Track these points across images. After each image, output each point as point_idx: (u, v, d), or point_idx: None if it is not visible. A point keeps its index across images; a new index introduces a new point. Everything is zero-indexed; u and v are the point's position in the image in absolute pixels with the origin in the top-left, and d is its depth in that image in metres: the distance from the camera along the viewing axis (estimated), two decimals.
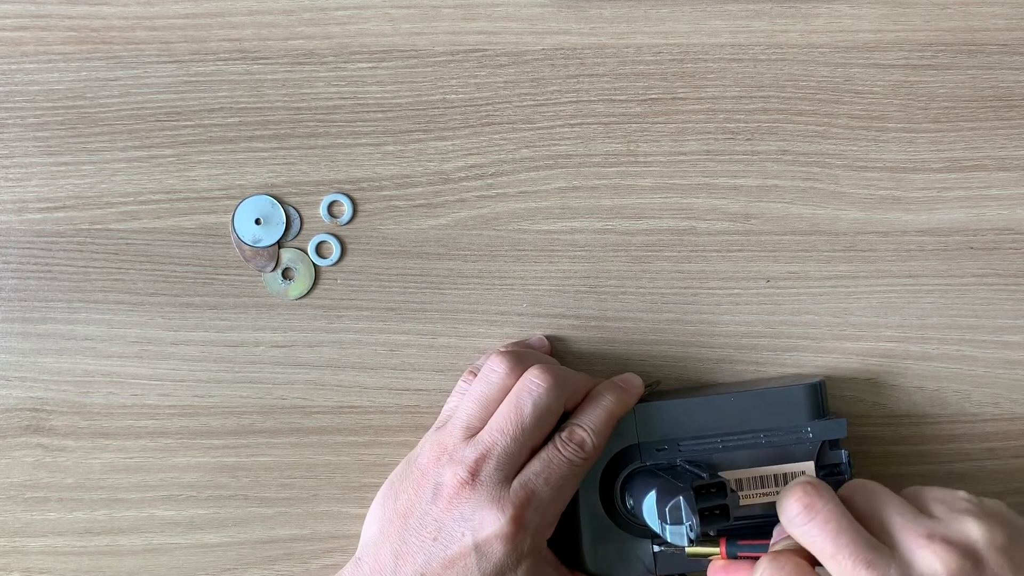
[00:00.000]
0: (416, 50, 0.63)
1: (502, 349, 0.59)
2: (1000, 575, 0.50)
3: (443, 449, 0.57)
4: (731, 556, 0.55)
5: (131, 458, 0.63)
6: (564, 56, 0.63)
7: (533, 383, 0.56)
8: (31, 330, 0.63)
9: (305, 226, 0.63)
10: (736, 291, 0.63)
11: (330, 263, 0.63)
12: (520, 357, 0.58)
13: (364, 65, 0.63)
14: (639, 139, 0.63)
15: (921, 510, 0.52)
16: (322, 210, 0.63)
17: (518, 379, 0.57)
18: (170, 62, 0.63)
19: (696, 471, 0.57)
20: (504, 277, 0.63)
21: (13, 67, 0.63)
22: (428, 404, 0.63)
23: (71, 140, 0.63)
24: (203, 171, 0.63)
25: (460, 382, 0.60)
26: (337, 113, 0.63)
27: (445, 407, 0.60)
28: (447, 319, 0.63)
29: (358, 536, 0.59)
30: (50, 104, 0.63)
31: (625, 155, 0.63)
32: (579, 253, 0.63)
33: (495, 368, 0.58)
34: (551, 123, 0.63)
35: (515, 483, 0.55)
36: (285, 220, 0.63)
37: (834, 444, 0.59)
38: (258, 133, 0.63)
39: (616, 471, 0.59)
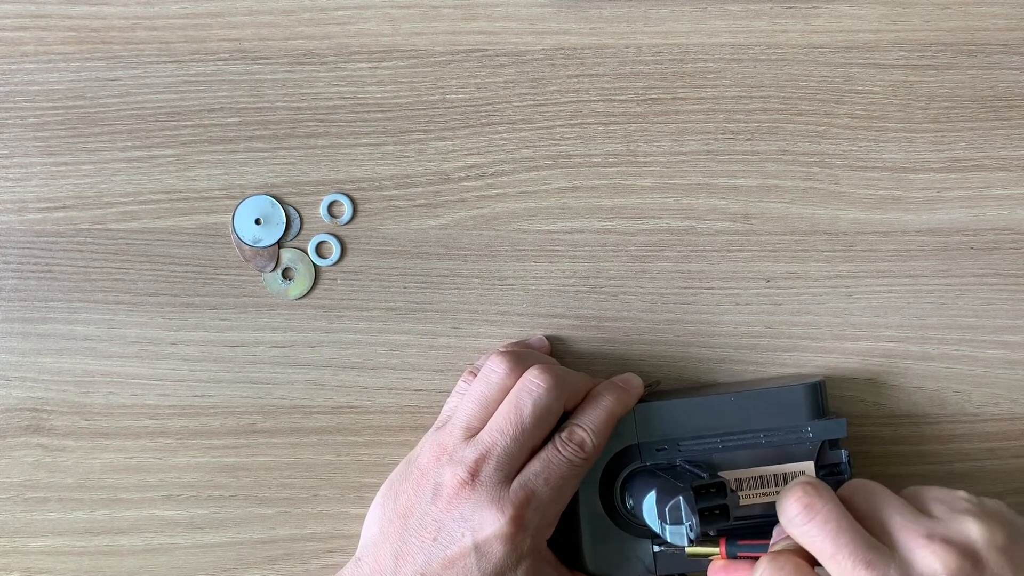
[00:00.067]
0: (416, 50, 0.63)
1: (502, 349, 0.59)
2: (1000, 575, 0.50)
3: (443, 449, 0.57)
4: (731, 556, 0.55)
5: (131, 458, 0.63)
6: (564, 56, 0.63)
7: (533, 383, 0.56)
8: (31, 330, 0.63)
9: (305, 226, 0.63)
10: (736, 291, 0.63)
11: (330, 263, 0.63)
12: (520, 357, 0.58)
13: (364, 65, 0.63)
14: (639, 139, 0.63)
15: (921, 510, 0.52)
16: (322, 210, 0.63)
17: (518, 379, 0.57)
18: (170, 62, 0.63)
19: (696, 471, 0.57)
20: (504, 277, 0.63)
21: (13, 67, 0.63)
22: (428, 404, 0.63)
23: (71, 140, 0.63)
24: (203, 171, 0.63)
25: (460, 382, 0.60)
26: (337, 113, 0.63)
27: (445, 407, 0.60)
28: (447, 319, 0.63)
29: (358, 536, 0.59)
30: (50, 104, 0.63)
31: (625, 155, 0.63)
32: (579, 253, 0.63)
33: (495, 368, 0.58)
34: (551, 123, 0.63)
35: (515, 483, 0.55)
36: (285, 220, 0.63)
37: (834, 444, 0.59)
38: (258, 133, 0.63)
39: (616, 471, 0.59)
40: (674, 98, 0.63)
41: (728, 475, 0.58)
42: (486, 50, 0.63)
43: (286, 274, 0.63)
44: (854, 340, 0.63)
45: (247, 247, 0.63)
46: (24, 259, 0.63)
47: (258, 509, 0.63)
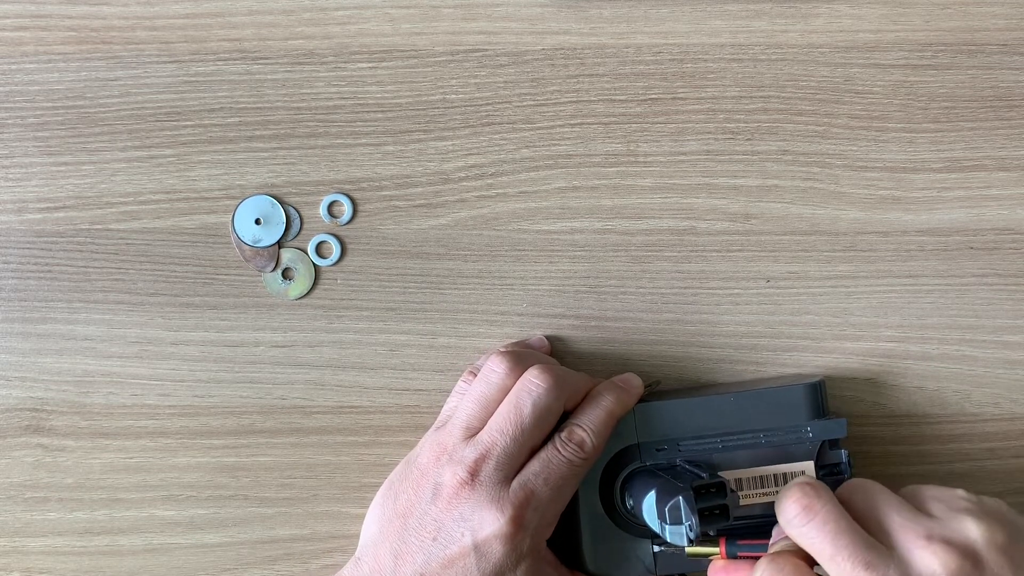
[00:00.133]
0: (416, 50, 0.63)
1: (502, 349, 0.59)
2: (1000, 575, 0.50)
3: (443, 449, 0.57)
4: (731, 556, 0.55)
5: (131, 458, 0.63)
6: (564, 56, 0.63)
7: (533, 383, 0.56)
8: (31, 330, 0.63)
9: (305, 226, 0.63)
10: (736, 291, 0.63)
11: (330, 263, 0.63)
12: (520, 357, 0.58)
13: (364, 65, 0.63)
14: (639, 139, 0.63)
15: (919, 509, 0.52)
16: (322, 210, 0.63)
17: (518, 379, 0.57)
18: (170, 62, 0.63)
19: (696, 471, 0.57)
20: (504, 277, 0.63)
21: (13, 67, 0.63)
22: (428, 404, 0.63)
23: (71, 140, 0.63)
24: (203, 171, 0.63)
25: (460, 382, 0.60)
26: (337, 113, 0.63)
27: (445, 407, 0.60)
28: (447, 319, 0.63)
29: (358, 536, 0.59)
30: (50, 104, 0.63)
31: (625, 155, 0.63)
32: (579, 253, 0.63)
33: (495, 368, 0.58)
34: (551, 123, 0.63)
35: (514, 483, 0.55)
36: (285, 220, 0.63)
37: (834, 444, 0.59)
38: (258, 133, 0.63)
39: (616, 471, 0.59)
40: (674, 98, 0.63)
41: (728, 475, 0.58)
42: (486, 50, 0.63)
43: (286, 274, 0.63)
44: (854, 340, 0.63)
45: (247, 247, 0.63)
46: (24, 259, 0.63)
47: (258, 509, 0.63)
